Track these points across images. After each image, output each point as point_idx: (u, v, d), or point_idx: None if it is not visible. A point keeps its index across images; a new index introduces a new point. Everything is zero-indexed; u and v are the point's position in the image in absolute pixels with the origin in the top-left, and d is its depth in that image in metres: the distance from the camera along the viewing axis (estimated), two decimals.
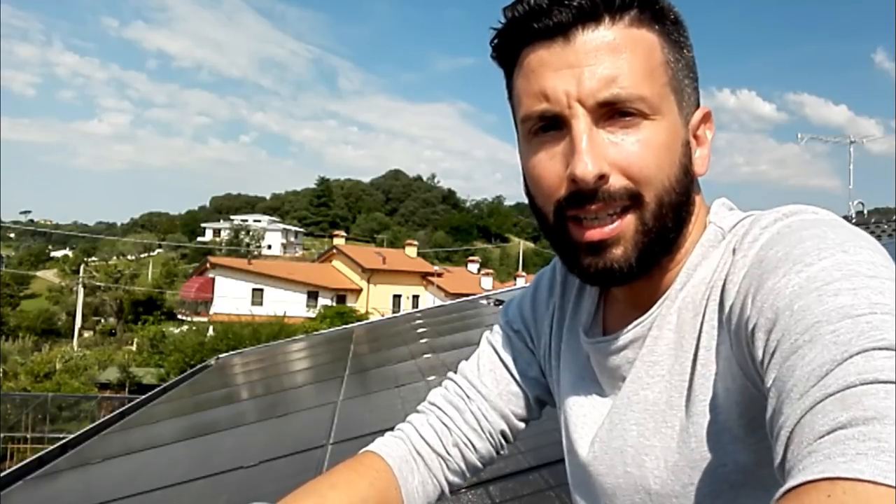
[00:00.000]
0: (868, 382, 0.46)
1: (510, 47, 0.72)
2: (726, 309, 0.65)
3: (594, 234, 0.69)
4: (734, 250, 0.67)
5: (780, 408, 0.50)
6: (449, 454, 0.90)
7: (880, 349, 0.47)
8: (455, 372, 0.97)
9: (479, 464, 0.93)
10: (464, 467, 0.91)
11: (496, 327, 0.97)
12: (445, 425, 0.91)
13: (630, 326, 0.75)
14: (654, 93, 0.67)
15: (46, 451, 4.31)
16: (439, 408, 0.93)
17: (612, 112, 0.67)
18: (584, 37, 0.67)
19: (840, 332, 0.50)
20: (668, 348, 0.72)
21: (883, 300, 0.51)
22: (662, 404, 0.71)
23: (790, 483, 0.43)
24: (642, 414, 0.73)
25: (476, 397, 0.92)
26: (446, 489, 0.92)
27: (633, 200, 0.68)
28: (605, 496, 0.77)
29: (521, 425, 0.94)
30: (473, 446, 0.91)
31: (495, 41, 0.73)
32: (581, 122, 0.66)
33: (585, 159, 0.66)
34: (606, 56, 0.66)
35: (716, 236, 0.72)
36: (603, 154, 0.66)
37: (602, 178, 0.66)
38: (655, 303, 0.73)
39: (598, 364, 0.80)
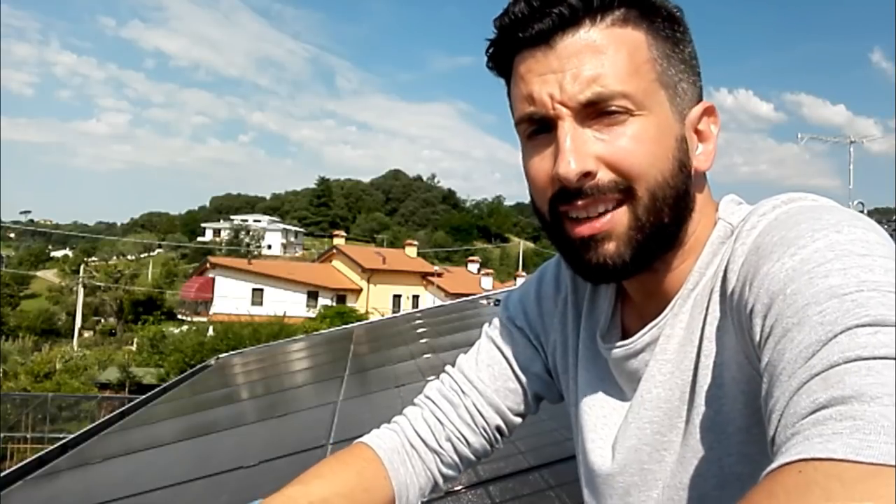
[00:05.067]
0: (851, 360, 0.46)
1: (502, 57, 0.74)
2: (727, 297, 0.66)
3: (584, 229, 0.70)
4: (735, 239, 0.68)
5: (770, 391, 0.51)
6: (442, 448, 0.91)
7: (863, 326, 0.48)
8: (453, 366, 0.96)
9: (472, 457, 0.93)
10: (457, 460, 0.92)
11: (496, 321, 0.97)
12: (439, 420, 0.92)
13: (644, 330, 0.75)
14: (640, 89, 0.68)
15: (46, 451, 4.30)
16: (434, 402, 0.93)
17: (597, 111, 0.68)
18: (565, 42, 0.68)
19: (826, 312, 0.51)
20: (678, 345, 0.72)
21: (872, 277, 0.52)
22: (675, 400, 0.72)
23: (772, 465, 0.44)
24: (655, 412, 0.73)
25: (471, 392, 0.92)
26: (440, 482, 0.92)
27: (624, 194, 0.69)
28: (616, 495, 0.78)
29: (518, 420, 0.94)
30: (466, 441, 0.91)
31: (489, 51, 0.75)
32: (566, 123, 0.68)
33: (568, 158, 0.67)
34: (588, 57, 0.67)
35: (725, 232, 0.72)
36: (588, 151, 0.68)
37: (587, 175, 0.68)
38: (669, 302, 0.74)
39: (616, 367, 0.80)
